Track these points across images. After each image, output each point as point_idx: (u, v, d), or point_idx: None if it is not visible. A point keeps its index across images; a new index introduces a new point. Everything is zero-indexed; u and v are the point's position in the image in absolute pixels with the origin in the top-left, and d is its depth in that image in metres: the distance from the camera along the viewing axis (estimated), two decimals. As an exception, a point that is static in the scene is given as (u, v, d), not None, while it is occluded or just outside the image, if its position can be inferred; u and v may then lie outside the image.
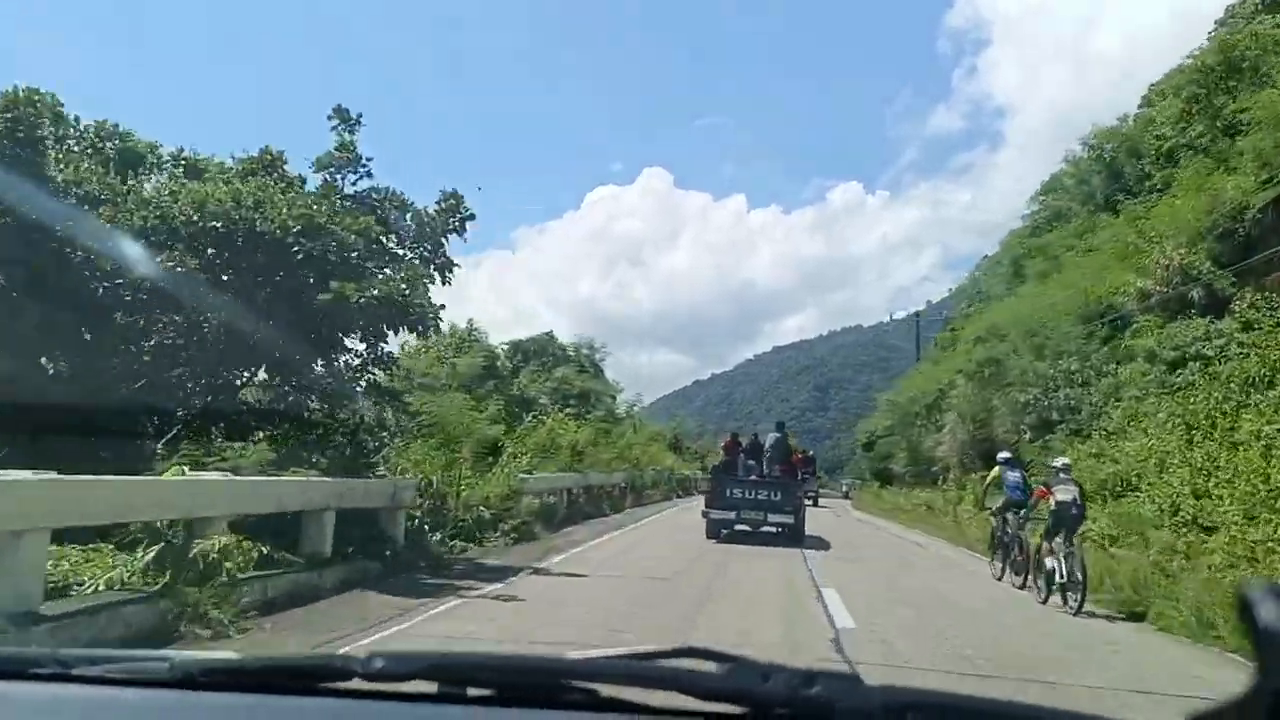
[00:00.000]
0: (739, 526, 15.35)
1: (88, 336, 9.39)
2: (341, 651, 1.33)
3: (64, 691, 1.14)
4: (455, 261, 11.64)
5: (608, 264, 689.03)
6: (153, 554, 6.62)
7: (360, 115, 11.57)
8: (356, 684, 1.10)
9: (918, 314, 49.40)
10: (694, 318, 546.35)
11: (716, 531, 15.25)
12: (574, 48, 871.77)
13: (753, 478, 15.87)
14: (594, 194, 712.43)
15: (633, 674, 1.09)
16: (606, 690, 1.09)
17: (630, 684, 1.07)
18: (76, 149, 10.81)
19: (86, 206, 9.32)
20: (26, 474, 5.52)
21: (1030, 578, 10.67)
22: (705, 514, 15.33)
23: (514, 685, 1.13)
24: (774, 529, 15.12)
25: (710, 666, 1.07)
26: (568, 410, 30.23)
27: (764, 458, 16.54)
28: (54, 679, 1.16)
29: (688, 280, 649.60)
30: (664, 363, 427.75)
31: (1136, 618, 9.06)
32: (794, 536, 15.15)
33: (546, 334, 42.87)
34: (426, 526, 11.66)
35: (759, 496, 15.07)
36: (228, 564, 6.98)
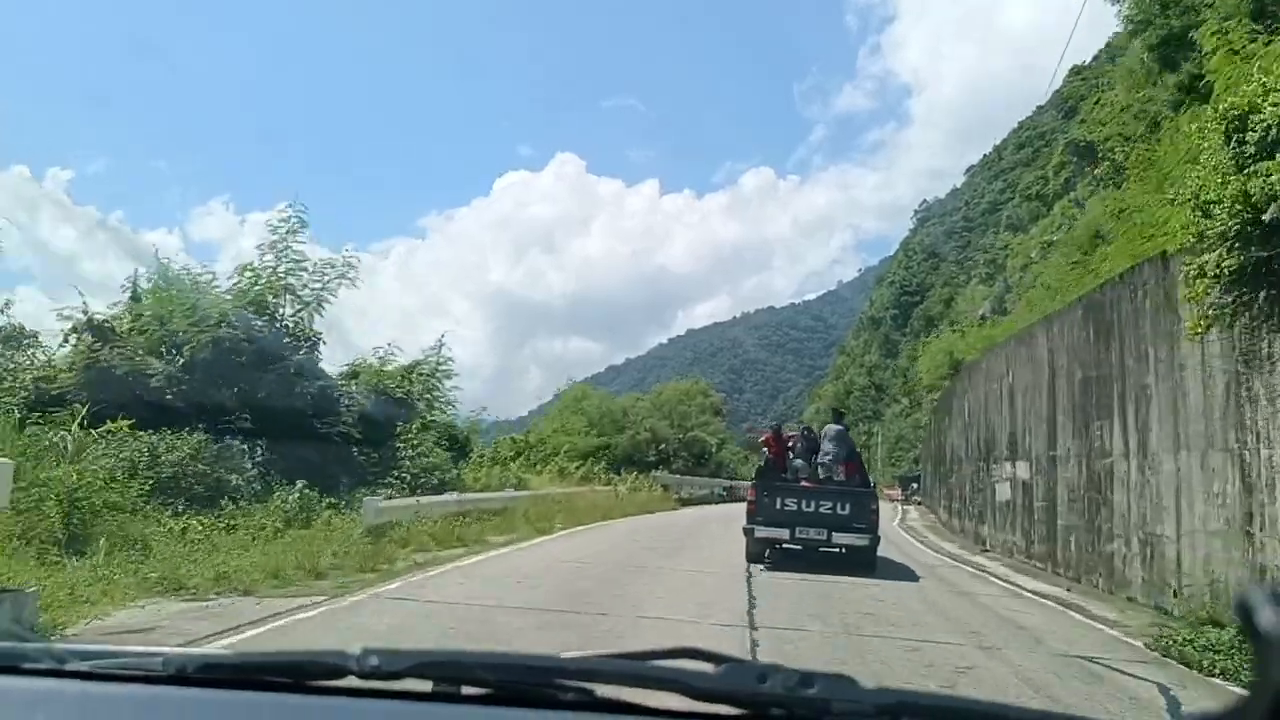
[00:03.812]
0: (788, 546, 12.32)
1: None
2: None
3: (58, 686, 1.14)
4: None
5: (520, 251, 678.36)
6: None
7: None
8: (351, 681, 1.10)
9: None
10: (608, 304, 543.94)
11: (760, 552, 12.29)
12: (473, 26, 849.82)
13: (804, 482, 12.93)
14: (504, 180, 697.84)
15: (629, 674, 1.09)
16: (603, 690, 1.10)
17: (627, 684, 1.08)
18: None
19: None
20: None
21: None
22: (748, 530, 12.33)
23: (509, 684, 1.13)
24: (837, 550, 12.11)
25: (706, 667, 1.07)
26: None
27: (821, 457, 13.37)
28: (48, 674, 1.16)
29: (601, 267, 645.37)
30: (578, 349, 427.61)
31: None
32: (865, 564, 11.89)
33: None
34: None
35: (821, 509, 11.94)
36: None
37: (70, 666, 1.16)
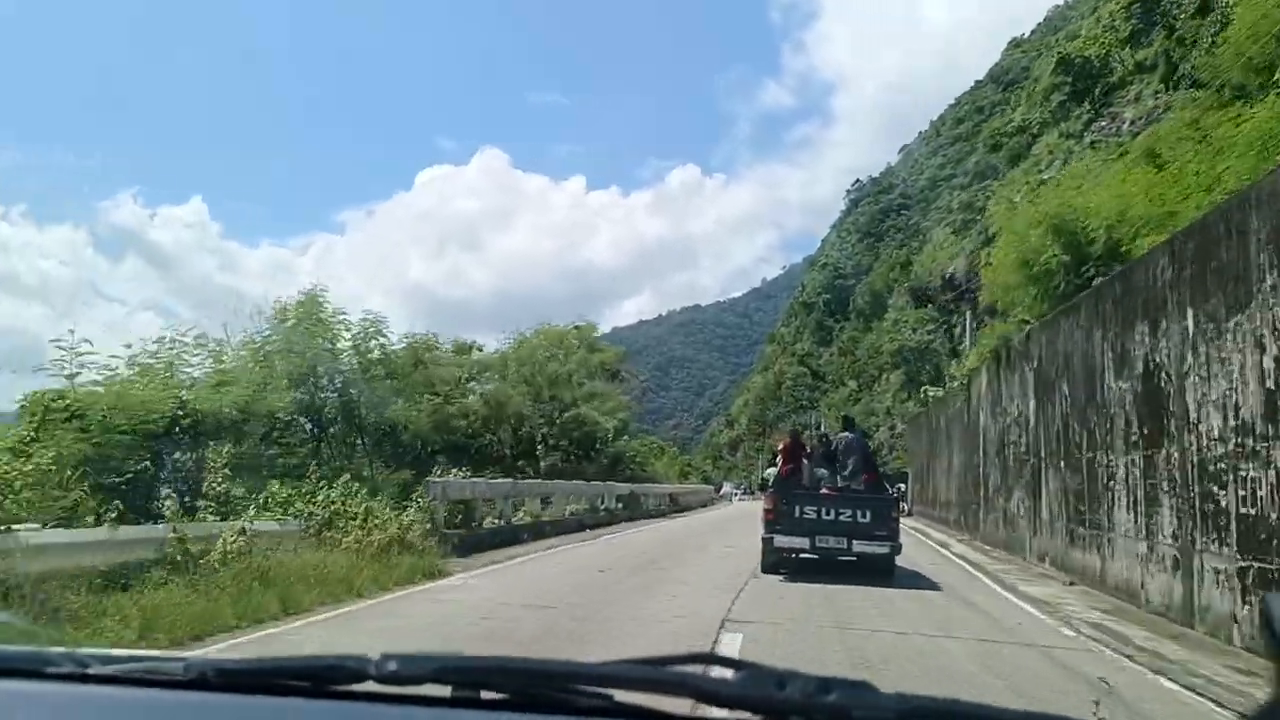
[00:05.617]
0: (807, 555, 12.21)
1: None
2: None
3: (80, 691, 1.14)
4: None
5: (442, 247, 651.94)
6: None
7: None
8: (370, 686, 1.11)
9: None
10: (532, 301, 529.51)
11: (776, 563, 12.30)
12: (395, 17, 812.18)
13: (824, 491, 12.54)
14: (426, 174, 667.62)
15: (647, 680, 1.09)
16: (620, 695, 1.10)
17: (645, 690, 1.08)
18: None
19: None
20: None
21: None
22: (766, 539, 12.19)
23: (528, 690, 1.14)
24: (855, 559, 12.03)
25: (724, 672, 1.08)
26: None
27: (839, 465, 13.16)
28: (70, 679, 1.15)
29: (526, 263, 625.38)
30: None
31: None
32: (884, 571, 11.97)
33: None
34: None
35: (840, 517, 11.89)
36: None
37: (92, 671, 1.15)
